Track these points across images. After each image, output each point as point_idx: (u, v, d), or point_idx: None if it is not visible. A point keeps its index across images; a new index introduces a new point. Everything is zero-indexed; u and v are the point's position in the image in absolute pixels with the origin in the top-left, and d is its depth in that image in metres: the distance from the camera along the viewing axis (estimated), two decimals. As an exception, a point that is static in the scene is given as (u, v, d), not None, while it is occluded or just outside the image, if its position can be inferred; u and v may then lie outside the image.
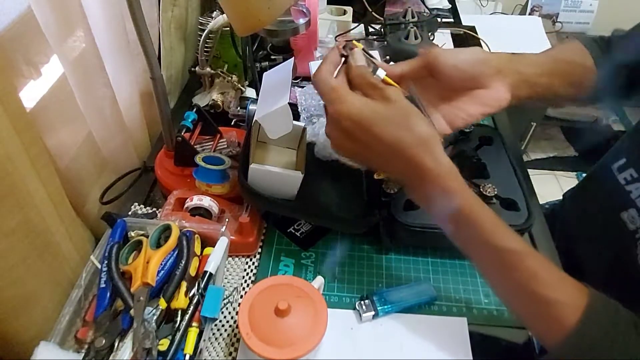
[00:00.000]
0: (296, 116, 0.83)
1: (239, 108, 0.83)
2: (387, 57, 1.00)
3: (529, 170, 0.79)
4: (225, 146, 0.77)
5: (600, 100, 0.70)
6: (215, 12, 0.85)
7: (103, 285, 0.54)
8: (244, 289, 0.62)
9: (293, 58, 0.59)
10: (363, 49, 0.54)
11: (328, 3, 1.12)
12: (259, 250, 0.66)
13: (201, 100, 0.88)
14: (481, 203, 0.48)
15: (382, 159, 0.49)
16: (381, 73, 0.54)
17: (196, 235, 0.60)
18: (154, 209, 0.72)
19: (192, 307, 0.53)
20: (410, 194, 0.50)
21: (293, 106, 0.80)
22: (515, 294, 0.47)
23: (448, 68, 0.55)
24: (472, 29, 1.24)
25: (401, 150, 0.46)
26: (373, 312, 0.57)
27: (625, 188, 0.62)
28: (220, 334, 0.57)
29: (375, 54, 0.97)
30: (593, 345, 0.42)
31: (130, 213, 0.71)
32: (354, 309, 0.59)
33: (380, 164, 0.49)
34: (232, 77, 0.86)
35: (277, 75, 0.60)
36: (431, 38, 1.09)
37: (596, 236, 0.69)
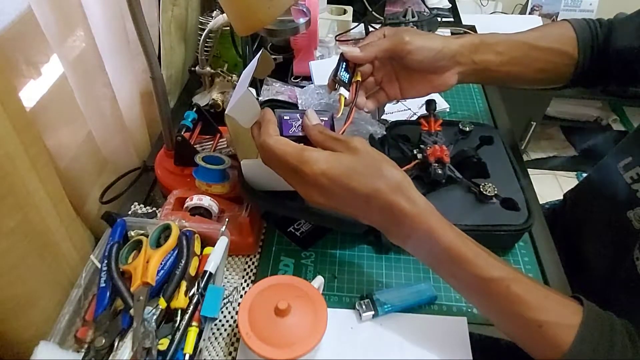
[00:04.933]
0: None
1: (238, 108, 0.83)
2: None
3: (528, 170, 0.78)
4: (225, 146, 0.77)
5: (586, 86, 0.71)
6: (215, 12, 0.85)
7: (103, 285, 0.54)
8: (243, 288, 0.62)
9: (262, 50, 0.60)
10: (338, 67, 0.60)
11: (328, 2, 1.12)
12: (259, 250, 0.66)
13: (201, 99, 0.88)
14: (461, 235, 0.48)
15: (360, 209, 0.49)
16: (344, 92, 0.59)
17: (196, 235, 0.60)
18: (154, 209, 0.72)
19: (191, 307, 0.53)
20: (390, 237, 0.51)
21: (293, 106, 0.80)
22: (507, 321, 0.47)
23: (415, 57, 0.61)
24: (472, 28, 1.24)
25: (378, 199, 0.47)
26: (373, 312, 0.57)
27: (632, 187, 0.62)
28: (220, 334, 0.57)
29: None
30: None
31: (130, 213, 0.71)
32: (354, 308, 0.59)
33: (358, 213, 0.50)
34: (232, 77, 0.86)
35: (247, 70, 0.61)
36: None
37: (600, 235, 0.69)
